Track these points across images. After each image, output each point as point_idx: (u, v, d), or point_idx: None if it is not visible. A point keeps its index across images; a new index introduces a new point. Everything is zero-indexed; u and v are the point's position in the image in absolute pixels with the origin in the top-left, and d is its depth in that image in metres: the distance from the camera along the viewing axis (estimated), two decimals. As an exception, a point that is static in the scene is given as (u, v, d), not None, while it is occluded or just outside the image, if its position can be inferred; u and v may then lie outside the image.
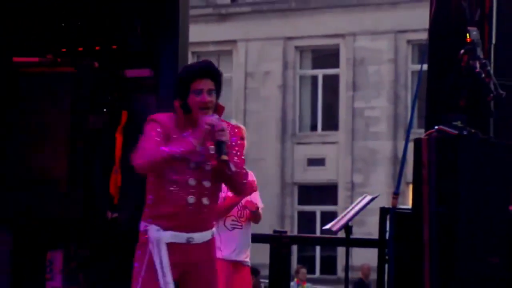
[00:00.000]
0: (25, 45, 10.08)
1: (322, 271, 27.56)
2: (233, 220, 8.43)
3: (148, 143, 5.81)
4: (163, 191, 5.86)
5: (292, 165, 28.30)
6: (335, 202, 27.95)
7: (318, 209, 28.31)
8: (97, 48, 10.13)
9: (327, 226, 8.68)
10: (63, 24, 9.97)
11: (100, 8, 9.81)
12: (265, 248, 10.89)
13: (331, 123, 28.44)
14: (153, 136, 5.81)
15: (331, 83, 28.34)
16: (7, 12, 9.81)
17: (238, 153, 6.00)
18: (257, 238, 11.80)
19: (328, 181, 28.17)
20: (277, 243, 10.18)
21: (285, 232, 11.48)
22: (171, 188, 5.85)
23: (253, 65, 28.23)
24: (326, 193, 28.24)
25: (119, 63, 10.01)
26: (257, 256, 10.98)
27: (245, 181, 6.03)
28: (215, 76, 5.94)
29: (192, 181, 5.83)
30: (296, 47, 28.31)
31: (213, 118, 5.76)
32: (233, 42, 28.05)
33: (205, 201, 5.85)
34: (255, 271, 16.68)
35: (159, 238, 5.78)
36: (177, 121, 5.91)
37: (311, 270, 25.52)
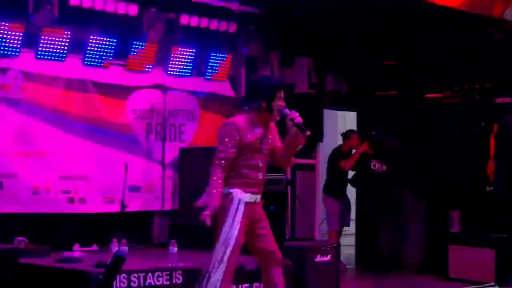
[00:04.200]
0: (432, 86, 10.17)
1: None
2: None
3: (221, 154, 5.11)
4: (243, 169, 5.19)
5: None
6: None
7: None
8: (476, 86, 9.94)
9: None
10: (456, 73, 9.96)
11: (479, 62, 9.67)
12: None
13: None
14: (226, 142, 5.13)
15: None
16: (427, 64, 10.02)
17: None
18: None
19: None
20: None
21: None
22: (248, 169, 5.21)
23: None
24: None
25: (491, 94, 9.78)
26: None
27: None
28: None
29: (260, 163, 5.24)
30: None
31: (292, 111, 5.16)
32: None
33: (264, 175, 5.30)
34: None
35: (241, 198, 5.14)
36: (251, 120, 5.23)
37: None
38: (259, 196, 5.29)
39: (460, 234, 9.35)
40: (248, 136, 5.19)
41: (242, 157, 5.19)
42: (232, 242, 5.04)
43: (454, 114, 10.10)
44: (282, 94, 5.25)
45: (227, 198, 5.14)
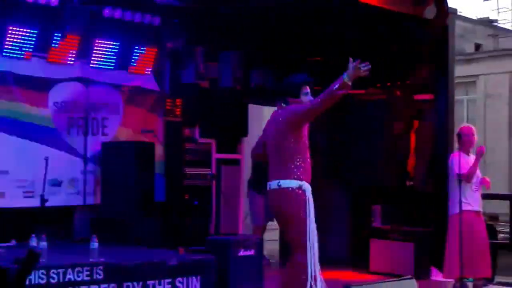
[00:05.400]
0: (357, 83, 10.33)
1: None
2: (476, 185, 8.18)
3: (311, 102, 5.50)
4: (306, 153, 5.57)
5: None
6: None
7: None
8: (398, 83, 10.17)
9: None
10: (379, 70, 10.12)
11: (400, 60, 9.87)
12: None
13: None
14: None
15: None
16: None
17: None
18: (499, 196, 11.53)
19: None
20: (514, 200, 9.81)
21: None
22: (308, 154, 5.58)
23: (491, 90, 27.06)
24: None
25: (412, 91, 9.99)
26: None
27: None
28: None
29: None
30: (518, 78, 26.88)
31: None
32: (476, 76, 27.14)
33: None
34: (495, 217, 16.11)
35: (309, 189, 5.50)
36: None
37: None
38: None
39: (381, 228, 9.54)
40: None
41: (302, 144, 5.51)
42: (315, 235, 5.49)
43: (378, 110, 10.29)
44: (308, 89, 5.62)
45: (300, 190, 5.46)
